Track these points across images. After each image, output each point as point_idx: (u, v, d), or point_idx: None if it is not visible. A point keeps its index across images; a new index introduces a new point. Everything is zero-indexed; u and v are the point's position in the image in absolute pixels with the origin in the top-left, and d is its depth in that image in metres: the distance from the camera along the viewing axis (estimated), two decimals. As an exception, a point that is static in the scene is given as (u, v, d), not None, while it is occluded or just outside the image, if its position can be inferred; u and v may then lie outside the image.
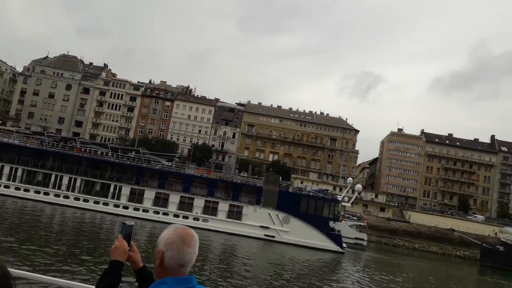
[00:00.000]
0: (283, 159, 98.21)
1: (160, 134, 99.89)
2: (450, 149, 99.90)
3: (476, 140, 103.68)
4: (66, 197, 36.82)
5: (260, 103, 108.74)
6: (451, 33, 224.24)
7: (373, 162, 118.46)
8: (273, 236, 36.16)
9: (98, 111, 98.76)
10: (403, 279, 28.55)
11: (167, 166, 40.62)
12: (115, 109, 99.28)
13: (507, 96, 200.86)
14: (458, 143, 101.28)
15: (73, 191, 37.17)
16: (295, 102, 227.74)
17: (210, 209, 36.96)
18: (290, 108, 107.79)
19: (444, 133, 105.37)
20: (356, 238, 44.32)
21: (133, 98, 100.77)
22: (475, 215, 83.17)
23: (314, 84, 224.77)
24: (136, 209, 37.03)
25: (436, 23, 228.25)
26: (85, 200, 36.94)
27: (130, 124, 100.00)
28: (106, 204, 36.96)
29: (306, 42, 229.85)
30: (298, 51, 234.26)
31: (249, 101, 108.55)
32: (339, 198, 41.10)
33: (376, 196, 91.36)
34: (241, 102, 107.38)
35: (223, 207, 36.89)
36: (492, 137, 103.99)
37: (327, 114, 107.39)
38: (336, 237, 36.50)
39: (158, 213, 37.01)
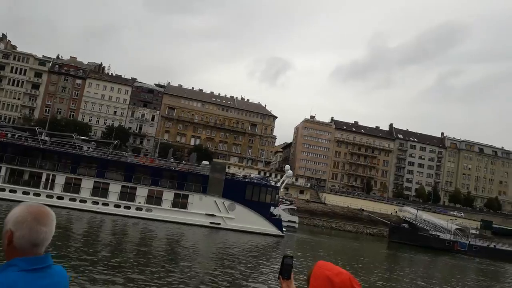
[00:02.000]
0: (205, 143, 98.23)
1: (71, 114, 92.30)
2: (356, 136, 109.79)
3: (377, 127, 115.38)
4: (-10, 188, 32.83)
5: (180, 85, 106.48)
6: (353, 24, 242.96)
7: (287, 146, 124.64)
8: (219, 224, 36.89)
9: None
10: (335, 257, 31.81)
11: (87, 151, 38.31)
12: (17, 85, 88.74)
13: (399, 86, 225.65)
14: (362, 130, 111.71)
15: (-4, 181, 33.27)
16: (205, 84, 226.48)
17: (154, 199, 36.19)
18: (212, 92, 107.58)
19: (350, 120, 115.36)
20: (289, 221, 47.18)
21: (38, 74, 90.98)
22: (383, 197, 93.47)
23: (225, 67, 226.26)
24: (73, 200, 34.61)
25: (340, 14, 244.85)
26: (12, 191, 33.36)
27: (35, 103, 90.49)
28: (37, 194, 33.80)
29: (215, 24, 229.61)
30: (208, 34, 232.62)
31: (169, 82, 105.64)
32: (274, 183, 43.27)
33: (296, 180, 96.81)
34: (160, 83, 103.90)
35: (168, 196, 36.37)
36: (391, 125, 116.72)
37: (248, 100, 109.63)
38: (277, 222, 38.62)
39: (97, 203, 35.08)
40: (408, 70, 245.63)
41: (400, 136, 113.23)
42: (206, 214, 36.84)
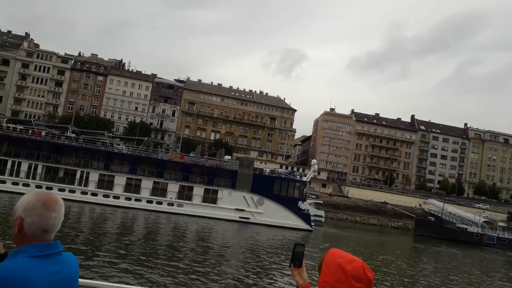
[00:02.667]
0: (225, 137, 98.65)
1: (93, 111, 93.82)
2: (377, 128, 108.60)
3: (399, 119, 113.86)
4: (26, 184, 33.77)
5: (200, 80, 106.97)
6: (369, 14, 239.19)
7: (306, 139, 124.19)
8: (248, 218, 37.20)
9: (21, 85, 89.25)
10: (364, 250, 31.74)
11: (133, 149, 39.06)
12: (41, 83, 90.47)
13: (416, 76, 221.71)
14: (384, 122, 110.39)
15: (34, 178, 34.19)
16: (222, 78, 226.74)
17: (185, 194, 36.69)
18: (231, 87, 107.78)
19: (369, 112, 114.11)
20: (315, 215, 47.20)
21: (61, 72, 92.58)
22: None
23: (240, 61, 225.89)
24: (106, 196, 35.36)
25: (355, 4, 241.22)
26: (48, 188, 34.23)
27: (59, 100, 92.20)
28: (72, 191, 34.67)
29: (229, 18, 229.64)
30: (221, 27, 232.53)
31: (188, 77, 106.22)
32: (299, 177, 43.32)
33: (318, 173, 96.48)
34: (180, 79, 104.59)
35: (198, 191, 36.83)
36: (412, 116, 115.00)
37: (267, 94, 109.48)
38: (305, 216, 38.72)
39: (130, 199, 35.78)
40: (426, 61, 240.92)
41: (422, 127, 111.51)
42: (235, 209, 37.18)
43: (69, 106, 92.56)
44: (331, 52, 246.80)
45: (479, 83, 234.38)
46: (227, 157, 53.36)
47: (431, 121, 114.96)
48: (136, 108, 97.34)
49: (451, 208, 64.47)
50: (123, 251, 18.20)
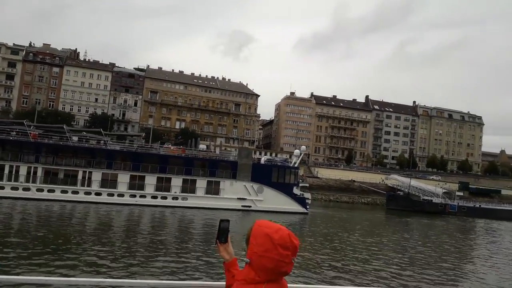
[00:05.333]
0: (191, 126, 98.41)
1: (50, 104, 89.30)
2: (336, 110, 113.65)
3: (354, 100, 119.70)
4: (27, 189, 32.78)
5: (160, 68, 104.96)
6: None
7: (268, 124, 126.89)
8: (250, 206, 38.86)
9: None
10: (361, 227, 34.98)
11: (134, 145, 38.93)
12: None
13: (363, 55, 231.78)
14: (341, 104, 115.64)
15: (34, 182, 33.21)
16: (170, 62, 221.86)
17: (189, 187, 37.49)
18: (193, 74, 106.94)
19: (323, 93, 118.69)
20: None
21: (12, 64, 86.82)
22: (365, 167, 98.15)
23: (185, 44, 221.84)
24: (111, 195, 35.24)
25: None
26: (50, 191, 33.52)
27: (11, 94, 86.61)
28: (75, 192, 34.19)
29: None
30: (162, 10, 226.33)
31: (148, 66, 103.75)
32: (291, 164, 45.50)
33: (276, 155, 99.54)
34: (140, 67, 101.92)
35: (201, 183, 37.76)
36: (367, 97, 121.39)
37: (229, 80, 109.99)
38: (301, 200, 41.16)
39: (134, 196, 35.97)
40: (370, 40, 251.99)
41: (376, 107, 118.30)
42: (237, 198, 38.66)
43: (24, 101, 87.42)
44: (279, 33, 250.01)
45: (419, 60, 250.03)
46: (203, 146, 54.21)
47: (384, 100, 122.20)
48: (96, 99, 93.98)
49: (414, 182, 70.35)
50: (126, 245, 18.87)
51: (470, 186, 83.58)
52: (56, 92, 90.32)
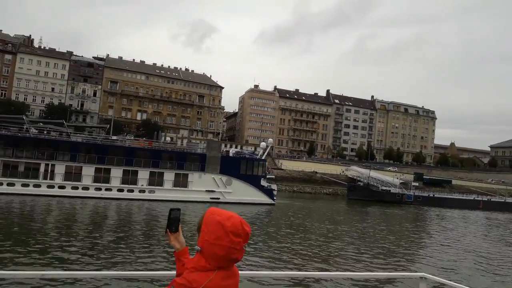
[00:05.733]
0: (153, 117, 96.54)
1: (2, 93, 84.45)
2: (298, 103, 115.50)
3: (316, 94, 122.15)
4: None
5: (121, 58, 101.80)
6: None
7: (232, 116, 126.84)
8: (218, 198, 39.06)
9: None
10: (326, 217, 36.36)
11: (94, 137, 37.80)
12: None
13: (322, 49, 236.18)
14: (303, 97, 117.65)
15: (-9, 176, 31.56)
16: (128, 52, 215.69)
17: (156, 180, 37.07)
18: (154, 64, 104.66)
19: (286, 86, 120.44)
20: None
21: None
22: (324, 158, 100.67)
23: (144, 32, 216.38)
24: (75, 188, 34.20)
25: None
26: (10, 184, 32.02)
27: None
28: (37, 186, 32.87)
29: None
30: None
31: (108, 55, 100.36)
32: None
33: (241, 148, 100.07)
34: (99, 56, 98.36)
35: (169, 176, 37.44)
36: (328, 91, 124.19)
37: (192, 71, 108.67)
38: (269, 192, 41.89)
39: (100, 189, 35.11)
40: (331, 34, 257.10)
41: (337, 101, 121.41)
42: (206, 190, 38.74)
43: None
44: (242, 24, 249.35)
45: (377, 56, 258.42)
46: (168, 139, 53.68)
47: (344, 94, 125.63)
48: (53, 89, 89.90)
49: (372, 173, 73.24)
50: (99, 241, 18.70)
51: (424, 177, 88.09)
52: (9, 80, 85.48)
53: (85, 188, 34.61)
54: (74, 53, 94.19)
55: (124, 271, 12.87)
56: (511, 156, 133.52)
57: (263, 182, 42.96)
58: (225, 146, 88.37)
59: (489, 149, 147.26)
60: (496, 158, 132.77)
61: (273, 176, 51.47)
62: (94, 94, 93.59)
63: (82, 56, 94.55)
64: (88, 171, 34.72)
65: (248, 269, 14.56)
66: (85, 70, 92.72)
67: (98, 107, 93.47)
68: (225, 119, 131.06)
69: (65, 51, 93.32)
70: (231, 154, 42.39)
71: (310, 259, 17.68)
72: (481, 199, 70.28)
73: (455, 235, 31.17)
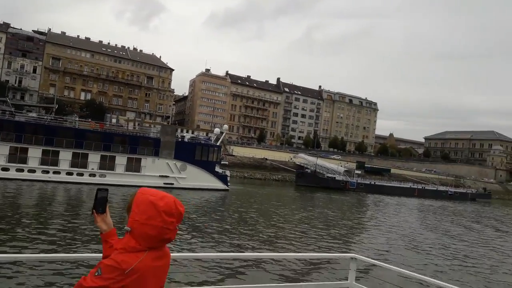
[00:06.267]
0: (98, 97, 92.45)
1: None
2: (250, 90, 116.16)
3: (267, 81, 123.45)
4: None
5: (64, 33, 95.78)
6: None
7: (181, 99, 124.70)
8: (172, 184, 38.78)
9: None
10: (277, 201, 37.85)
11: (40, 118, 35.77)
12: None
13: (272, 38, 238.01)
14: (255, 84, 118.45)
15: None
16: (69, 27, 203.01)
17: (107, 164, 36.03)
18: (101, 41, 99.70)
19: (243, 74, 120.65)
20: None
21: None
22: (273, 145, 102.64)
23: (88, 6, 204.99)
24: (20, 170, 32.37)
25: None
26: None
27: None
28: (-23, 169, 30.72)
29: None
30: None
31: (50, 29, 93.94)
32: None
33: (193, 132, 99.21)
34: (40, 30, 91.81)
35: (121, 160, 36.50)
36: (278, 79, 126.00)
37: (141, 51, 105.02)
38: (223, 177, 42.32)
39: (47, 172, 33.52)
40: (281, 22, 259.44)
41: (286, 89, 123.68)
42: (159, 176, 38.33)
43: None
44: (191, 5, 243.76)
45: (325, 46, 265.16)
46: (114, 121, 52.11)
47: (293, 83, 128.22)
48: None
49: (319, 161, 76.19)
50: (43, 225, 18.30)
51: (365, 165, 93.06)
52: None
53: (31, 170, 32.88)
54: (12, 25, 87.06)
55: (46, 253, 12.59)
56: (443, 147, 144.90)
57: (218, 168, 43.33)
58: (176, 130, 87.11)
59: (423, 140, 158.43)
60: (429, 149, 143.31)
61: (227, 162, 51.93)
62: (34, 71, 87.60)
63: (20, 29, 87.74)
64: (35, 153, 32.97)
65: (198, 251, 15.24)
66: (24, 44, 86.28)
67: (38, 84, 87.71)
68: (174, 102, 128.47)
69: (1, 22, 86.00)
70: (186, 140, 42.09)
71: (254, 241, 18.56)
72: (416, 187, 75.97)
73: (390, 220, 33.66)
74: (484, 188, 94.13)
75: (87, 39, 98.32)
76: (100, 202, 1.95)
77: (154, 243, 1.84)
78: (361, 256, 4.15)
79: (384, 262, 4.21)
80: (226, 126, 48.89)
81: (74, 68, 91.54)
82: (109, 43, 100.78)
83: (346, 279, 4.13)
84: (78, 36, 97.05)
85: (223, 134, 45.43)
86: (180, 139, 41.06)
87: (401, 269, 4.23)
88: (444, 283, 3.75)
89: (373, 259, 4.99)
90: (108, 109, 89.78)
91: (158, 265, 1.87)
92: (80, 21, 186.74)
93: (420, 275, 4.15)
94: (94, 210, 1.95)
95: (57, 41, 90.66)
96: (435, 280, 3.90)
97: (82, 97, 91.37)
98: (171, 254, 2.05)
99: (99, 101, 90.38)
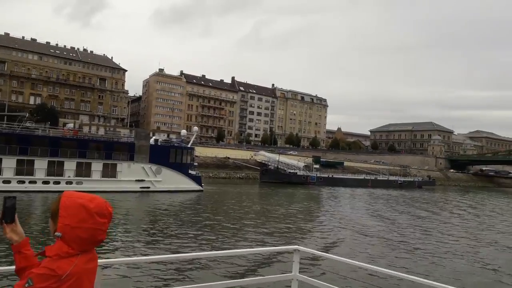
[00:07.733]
0: (49, 101, 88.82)
1: None
2: (205, 89, 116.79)
3: (222, 81, 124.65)
4: None
5: (8, 34, 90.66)
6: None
7: (135, 100, 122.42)
8: (148, 187, 39.33)
9: None
10: (250, 200, 39.97)
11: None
12: None
13: (221, 35, 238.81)
14: (210, 84, 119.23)
15: None
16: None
17: (84, 171, 35.92)
18: (48, 43, 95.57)
19: (197, 73, 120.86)
20: (192, 176, 51.92)
21: None
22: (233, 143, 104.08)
23: (22, 2, 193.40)
24: (-6, 182, 31.62)
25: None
26: None
27: None
28: None
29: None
30: None
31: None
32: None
33: (154, 134, 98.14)
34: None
35: (97, 166, 36.45)
36: (233, 78, 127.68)
37: (92, 52, 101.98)
38: (197, 179, 43.47)
39: (23, 182, 32.93)
40: (229, 19, 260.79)
41: (242, 88, 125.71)
42: (135, 180, 38.74)
43: None
44: (135, 1, 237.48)
45: (273, 43, 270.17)
46: (70, 125, 51.46)
47: (247, 81, 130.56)
48: None
49: (281, 158, 79.08)
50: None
51: (321, 159, 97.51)
52: None
53: (6, 181, 32.18)
54: None
55: None
56: (387, 139, 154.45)
57: (191, 170, 44.39)
58: (149, 134, 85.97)
59: (369, 133, 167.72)
60: (376, 141, 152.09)
61: (196, 163, 52.77)
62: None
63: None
64: (9, 163, 32.29)
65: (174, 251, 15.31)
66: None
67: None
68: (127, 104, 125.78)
69: None
70: (159, 143, 42.71)
71: (205, 241, 18.62)
72: (369, 178, 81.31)
73: (344, 211, 35.50)
74: (428, 176, 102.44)
75: (33, 40, 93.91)
76: (9, 211, 1.84)
77: (87, 246, 1.84)
78: (304, 248, 4.18)
79: (329, 252, 4.71)
80: (196, 128, 49.98)
81: (21, 72, 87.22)
82: (57, 44, 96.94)
83: (291, 271, 4.16)
84: (23, 37, 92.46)
85: (194, 136, 46.50)
86: (154, 143, 41.56)
87: (344, 259, 4.20)
88: (386, 270, 4.02)
89: (318, 250, 5.23)
90: (60, 113, 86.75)
91: (91, 267, 1.88)
92: (13, 17, 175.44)
93: (362, 263, 4.28)
94: (2, 220, 1.83)
95: (1, 43, 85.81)
96: (377, 267, 4.10)
97: (32, 102, 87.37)
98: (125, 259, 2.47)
99: (51, 105, 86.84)
